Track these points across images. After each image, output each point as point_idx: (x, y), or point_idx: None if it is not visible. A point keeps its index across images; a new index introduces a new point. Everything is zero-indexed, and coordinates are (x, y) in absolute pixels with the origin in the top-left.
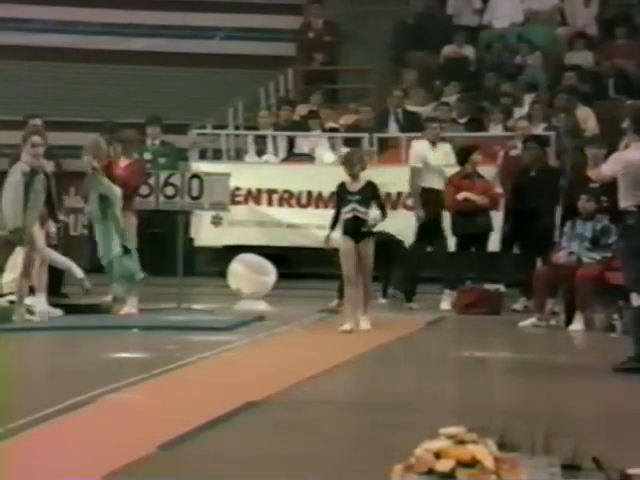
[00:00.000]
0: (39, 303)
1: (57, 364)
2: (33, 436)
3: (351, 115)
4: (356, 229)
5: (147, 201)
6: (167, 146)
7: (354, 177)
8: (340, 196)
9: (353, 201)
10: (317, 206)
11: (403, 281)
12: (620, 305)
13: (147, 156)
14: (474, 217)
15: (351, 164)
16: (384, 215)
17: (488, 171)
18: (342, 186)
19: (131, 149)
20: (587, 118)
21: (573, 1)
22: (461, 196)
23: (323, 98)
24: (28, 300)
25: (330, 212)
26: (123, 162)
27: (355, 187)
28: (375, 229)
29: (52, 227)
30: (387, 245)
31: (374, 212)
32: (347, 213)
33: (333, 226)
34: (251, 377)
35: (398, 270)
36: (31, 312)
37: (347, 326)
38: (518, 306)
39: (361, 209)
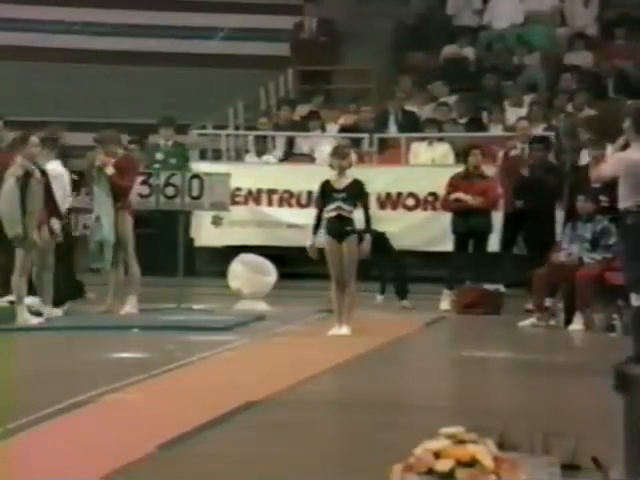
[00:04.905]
0: (21, 311)
1: (57, 364)
2: (33, 436)
3: (351, 115)
4: (340, 229)
5: (147, 201)
6: (179, 147)
7: (341, 172)
8: (324, 194)
9: (338, 199)
10: None
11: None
12: (620, 305)
13: (159, 156)
14: (469, 217)
15: (341, 155)
16: (368, 219)
17: (488, 171)
18: (326, 184)
19: (111, 148)
20: None
21: (573, 2)
22: (453, 196)
23: (324, 98)
24: (28, 300)
25: None
26: (110, 161)
27: (341, 184)
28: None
29: (56, 224)
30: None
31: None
32: (331, 212)
33: (316, 229)
34: (251, 377)
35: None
36: (32, 312)
37: (335, 330)
38: (530, 305)
39: (346, 207)
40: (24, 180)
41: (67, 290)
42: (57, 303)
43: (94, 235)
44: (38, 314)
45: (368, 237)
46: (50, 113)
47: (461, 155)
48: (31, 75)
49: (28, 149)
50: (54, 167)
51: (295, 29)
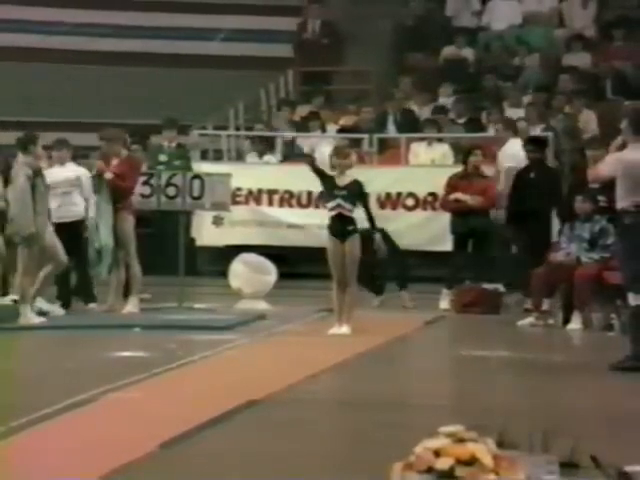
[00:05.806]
0: (24, 310)
1: (58, 363)
2: (33, 435)
3: (351, 116)
4: (342, 228)
5: (149, 201)
6: (182, 148)
7: (342, 171)
8: (327, 187)
9: (339, 196)
10: (317, 206)
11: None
12: (618, 304)
13: (162, 158)
14: (468, 217)
15: (343, 155)
16: (371, 218)
17: (487, 171)
18: (330, 178)
19: (116, 147)
20: (589, 121)
21: (571, 3)
22: (452, 197)
23: (325, 99)
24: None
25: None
26: (114, 161)
27: (343, 182)
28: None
29: (49, 226)
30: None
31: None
32: (332, 210)
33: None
34: (252, 376)
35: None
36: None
37: (335, 329)
38: (510, 300)
39: (346, 206)
40: (33, 180)
41: (77, 292)
42: (66, 304)
43: (92, 242)
44: (42, 313)
45: (378, 236)
46: (51, 114)
47: (460, 155)
48: (32, 76)
49: (37, 149)
50: (75, 168)
51: (298, 30)
